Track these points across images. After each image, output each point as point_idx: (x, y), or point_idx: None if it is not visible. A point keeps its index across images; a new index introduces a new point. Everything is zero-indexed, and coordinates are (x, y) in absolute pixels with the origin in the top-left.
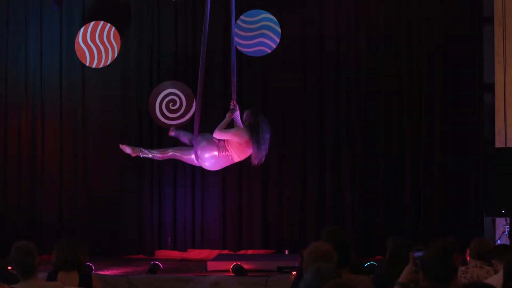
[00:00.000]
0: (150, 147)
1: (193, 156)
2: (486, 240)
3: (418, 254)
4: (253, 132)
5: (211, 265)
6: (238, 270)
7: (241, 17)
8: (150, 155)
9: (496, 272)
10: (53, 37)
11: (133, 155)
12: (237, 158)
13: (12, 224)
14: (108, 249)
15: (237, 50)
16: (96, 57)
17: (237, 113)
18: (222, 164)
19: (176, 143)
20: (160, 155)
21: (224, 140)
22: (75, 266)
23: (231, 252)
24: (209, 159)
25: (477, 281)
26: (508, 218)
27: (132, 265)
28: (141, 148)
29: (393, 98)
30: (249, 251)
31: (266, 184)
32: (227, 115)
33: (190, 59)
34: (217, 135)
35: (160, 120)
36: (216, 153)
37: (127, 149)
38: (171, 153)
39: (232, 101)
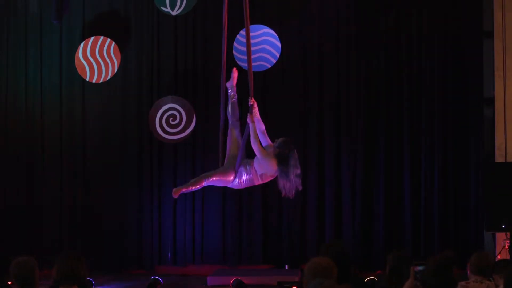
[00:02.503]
0: (150, 162)
1: (230, 178)
2: (486, 255)
3: (419, 268)
4: (281, 163)
5: (211, 280)
6: (238, 285)
7: (241, 32)
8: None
9: (497, 287)
10: (53, 52)
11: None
12: (258, 182)
13: (12, 239)
14: (108, 264)
15: (238, 65)
16: (96, 72)
17: (256, 109)
18: (247, 185)
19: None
20: (198, 186)
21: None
22: (75, 281)
23: (231, 267)
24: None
25: None
26: (508, 233)
27: (132, 280)
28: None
29: (393, 112)
30: (249, 266)
31: (266, 198)
32: (248, 119)
33: (190, 73)
34: (256, 150)
35: (160, 135)
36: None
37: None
38: (205, 182)
39: (250, 98)
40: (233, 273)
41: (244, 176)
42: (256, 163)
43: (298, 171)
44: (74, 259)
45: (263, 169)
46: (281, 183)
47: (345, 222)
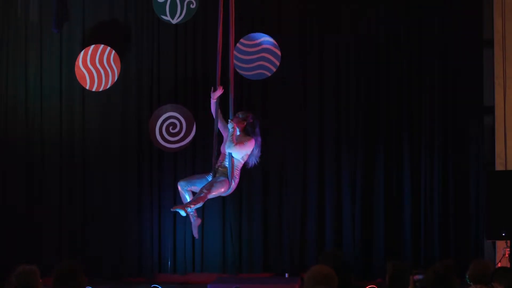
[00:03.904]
0: (150, 170)
1: (223, 189)
2: (486, 262)
3: (419, 277)
4: (253, 133)
5: None
6: None
7: (241, 40)
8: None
9: None
10: (53, 60)
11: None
12: (241, 164)
13: (12, 247)
14: (108, 272)
15: (236, 72)
16: (96, 80)
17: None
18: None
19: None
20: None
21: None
22: None
23: (231, 275)
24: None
25: None
26: (508, 241)
27: None
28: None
29: (392, 121)
30: (249, 274)
31: (266, 206)
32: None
33: (190, 82)
34: (237, 152)
35: (160, 144)
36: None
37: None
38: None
39: (230, 120)
40: (233, 281)
41: (236, 175)
42: (233, 153)
43: (260, 138)
44: (72, 267)
45: (244, 152)
46: (253, 153)
47: (345, 231)
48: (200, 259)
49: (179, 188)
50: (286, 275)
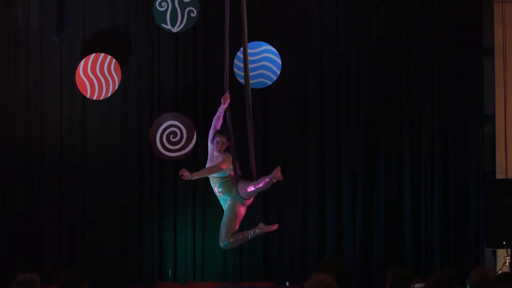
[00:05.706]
0: (150, 179)
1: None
2: (486, 270)
3: (419, 286)
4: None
5: None
6: None
7: (242, 48)
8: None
9: None
10: (54, 69)
11: None
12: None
13: (12, 249)
14: (108, 281)
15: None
16: (97, 89)
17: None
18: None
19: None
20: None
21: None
22: None
23: (232, 284)
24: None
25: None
26: (509, 250)
27: None
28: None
29: (393, 130)
30: (250, 283)
31: (267, 215)
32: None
33: (191, 90)
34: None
35: (160, 152)
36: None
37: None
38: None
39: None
40: None
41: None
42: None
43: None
44: (75, 278)
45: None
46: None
47: (346, 239)
48: (201, 268)
49: (234, 245)
50: (287, 283)
